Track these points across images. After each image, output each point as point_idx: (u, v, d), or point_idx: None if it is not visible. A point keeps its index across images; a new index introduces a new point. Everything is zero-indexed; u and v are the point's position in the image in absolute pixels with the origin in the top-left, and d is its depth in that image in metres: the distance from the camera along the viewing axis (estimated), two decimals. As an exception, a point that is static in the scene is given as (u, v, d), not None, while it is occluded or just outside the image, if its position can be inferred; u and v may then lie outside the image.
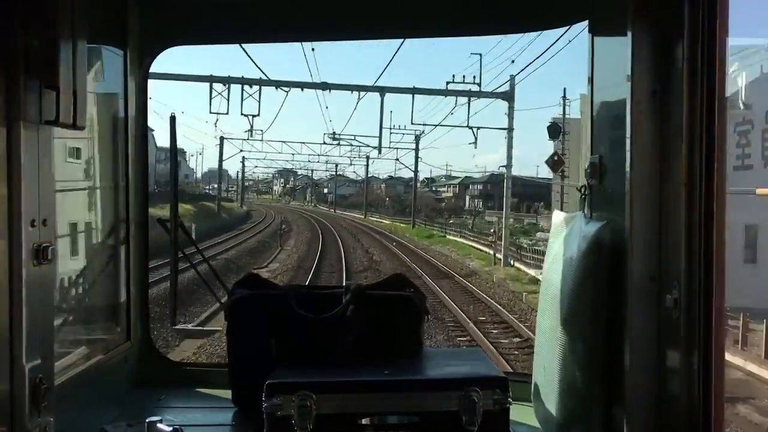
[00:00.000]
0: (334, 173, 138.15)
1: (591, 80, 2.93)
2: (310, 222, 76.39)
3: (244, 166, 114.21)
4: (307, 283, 23.65)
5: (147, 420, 2.65)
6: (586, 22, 3.04)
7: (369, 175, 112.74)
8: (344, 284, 3.42)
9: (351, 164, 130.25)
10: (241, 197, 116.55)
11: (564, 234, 2.94)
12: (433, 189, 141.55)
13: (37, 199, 2.24)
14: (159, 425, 2.63)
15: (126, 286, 3.61)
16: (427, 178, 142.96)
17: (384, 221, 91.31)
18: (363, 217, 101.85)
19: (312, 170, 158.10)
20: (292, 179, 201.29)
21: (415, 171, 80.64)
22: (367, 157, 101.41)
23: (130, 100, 3.58)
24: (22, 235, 2.16)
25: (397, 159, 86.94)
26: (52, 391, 2.28)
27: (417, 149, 75.57)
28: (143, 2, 3.59)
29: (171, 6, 3.82)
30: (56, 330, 2.64)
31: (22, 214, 2.16)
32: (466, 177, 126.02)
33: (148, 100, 3.76)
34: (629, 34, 2.44)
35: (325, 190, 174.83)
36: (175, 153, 3.86)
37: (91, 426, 2.98)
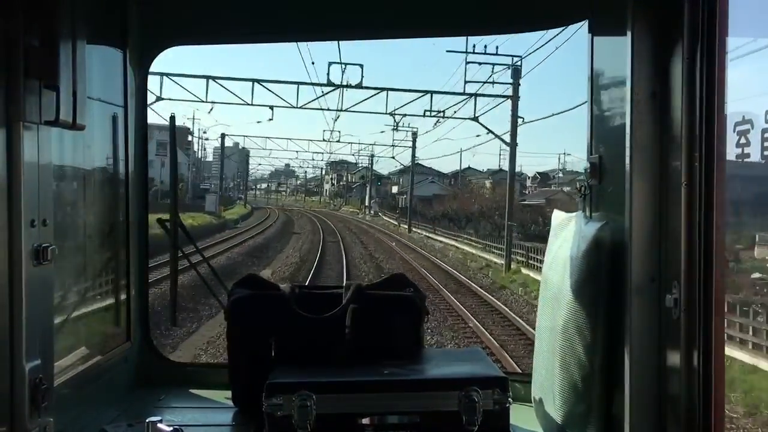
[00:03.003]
0: (411, 159, 69.07)
1: (591, 80, 2.93)
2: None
3: (221, 143, 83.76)
4: (307, 283, 23.63)
5: (147, 420, 2.65)
6: (586, 22, 3.04)
7: (462, 168, 61.69)
8: (344, 284, 3.42)
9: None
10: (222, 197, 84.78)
11: (564, 234, 2.94)
12: (553, 189, 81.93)
13: (37, 200, 2.24)
14: (159, 425, 2.63)
15: (126, 286, 3.61)
16: (539, 173, 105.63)
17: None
18: (503, 270, 32.30)
19: (372, 154, 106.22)
20: (346, 174, 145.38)
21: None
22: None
23: (130, 99, 3.58)
24: (21, 235, 2.16)
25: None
26: (52, 391, 2.28)
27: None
28: (143, 2, 3.59)
29: (171, 6, 3.82)
30: (56, 330, 2.63)
31: (21, 214, 2.16)
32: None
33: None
34: (629, 34, 2.44)
35: (395, 189, 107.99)
36: (174, 153, 3.87)
37: (91, 426, 2.98)
